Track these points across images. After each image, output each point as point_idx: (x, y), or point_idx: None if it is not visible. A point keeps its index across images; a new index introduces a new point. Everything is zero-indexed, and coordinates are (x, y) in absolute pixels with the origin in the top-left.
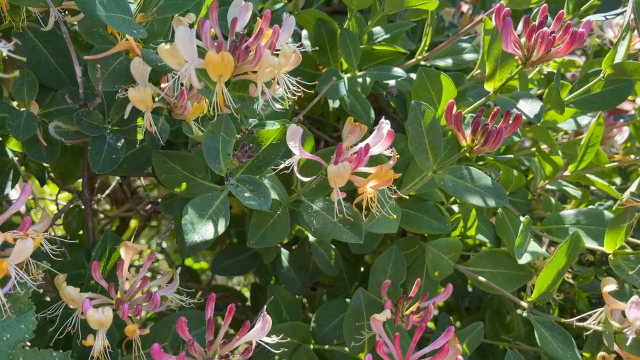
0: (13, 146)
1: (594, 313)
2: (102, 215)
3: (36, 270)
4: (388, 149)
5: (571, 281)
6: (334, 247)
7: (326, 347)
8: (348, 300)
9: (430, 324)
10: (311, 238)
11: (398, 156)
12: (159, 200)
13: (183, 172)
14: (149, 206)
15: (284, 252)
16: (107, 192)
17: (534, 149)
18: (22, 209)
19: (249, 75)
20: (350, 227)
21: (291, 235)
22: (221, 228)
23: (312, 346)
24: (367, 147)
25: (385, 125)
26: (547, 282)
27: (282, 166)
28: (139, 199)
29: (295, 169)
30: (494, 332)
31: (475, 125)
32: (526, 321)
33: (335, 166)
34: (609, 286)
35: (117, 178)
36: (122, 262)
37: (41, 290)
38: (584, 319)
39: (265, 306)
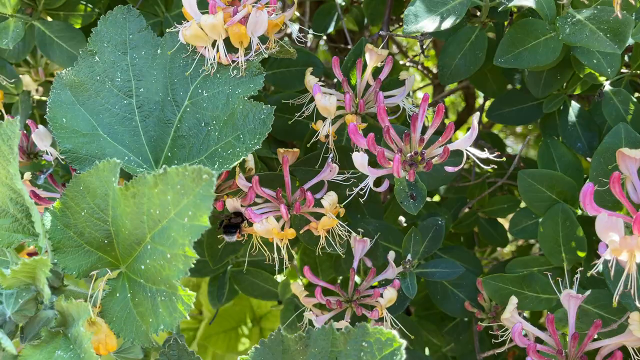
0: None
1: None
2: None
3: (274, 45)
4: None
5: None
6: (634, 99)
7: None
8: None
9: None
10: (607, 87)
11: None
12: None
13: None
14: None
15: (574, 105)
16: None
17: None
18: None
19: None
20: (612, 35)
21: (586, 85)
22: (449, 24)
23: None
24: None
25: None
26: None
27: None
28: None
29: None
30: None
31: None
32: None
33: None
34: None
35: None
36: (360, 62)
37: None
38: None
39: (477, 114)
